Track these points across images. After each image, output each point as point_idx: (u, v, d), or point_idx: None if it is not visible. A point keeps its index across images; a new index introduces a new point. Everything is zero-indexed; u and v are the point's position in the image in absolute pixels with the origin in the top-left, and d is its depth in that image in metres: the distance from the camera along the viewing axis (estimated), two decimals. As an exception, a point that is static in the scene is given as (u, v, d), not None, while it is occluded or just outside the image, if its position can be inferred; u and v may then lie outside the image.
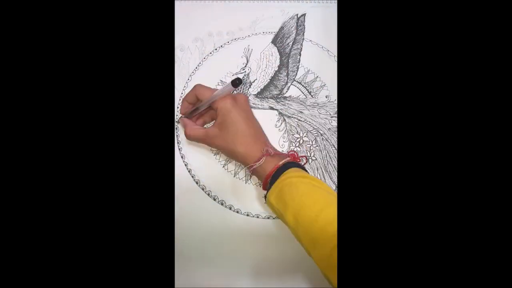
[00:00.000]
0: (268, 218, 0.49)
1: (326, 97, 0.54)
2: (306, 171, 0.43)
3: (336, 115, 0.53)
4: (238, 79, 0.40)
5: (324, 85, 0.55)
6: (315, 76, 0.55)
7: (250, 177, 0.44)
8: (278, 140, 0.52)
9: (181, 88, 0.54)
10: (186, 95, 0.47)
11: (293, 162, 0.43)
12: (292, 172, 0.40)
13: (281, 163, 0.42)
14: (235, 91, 0.48)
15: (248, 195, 0.50)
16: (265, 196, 0.42)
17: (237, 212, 0.49)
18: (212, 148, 0.51)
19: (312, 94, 0.54)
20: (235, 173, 0.51)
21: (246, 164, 0.44)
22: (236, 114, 0.43)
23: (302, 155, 0.50)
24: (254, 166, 0.42)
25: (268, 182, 0.42)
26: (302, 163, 0.47)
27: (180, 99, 0.54)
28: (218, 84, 0.55)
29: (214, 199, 0.50)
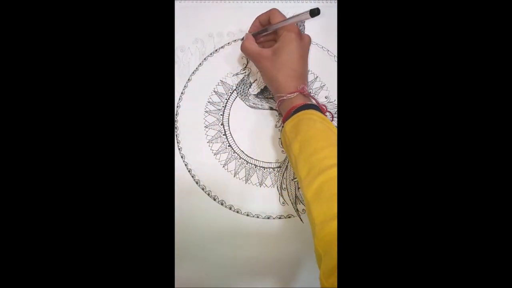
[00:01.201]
0: (268, 218, 0.49)
1: (325, 97, 0.54)
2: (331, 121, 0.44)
3: (336, 116, 0.53)
4: (317, 9, 0.39)
5: (324, 85, 0.55)
6: (315, 77, 0.55)
7: (277, 106, 0.46)
8: (278, 140, 0.52)
9: (181, 89, 0.54)
10: (261, 14, 0.49)
11: (319, 108, 0.44)
12: (315, 112, 0.42)
13: (308, 103, 0.43)
14: (303, 29, 0.50)
15: (248, 195, 0.50)
16: (282, 126, 0.44)
17: (237, 212, 0.49)
18: (212, 148, 0.52)
19: (312, 94, 0.54)
20: (235, 173, 0.51)
21: (278, 93, 0.45)
22: (294, 47, 0.44)
23: (329, 110, 0.51)
24: (285, 98, 0.44)
25: (291, 113, 0.43)
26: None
27: (180, 99, 0.54)
28: (218, 84, 0.55)
29: (214, 199, 0.50)
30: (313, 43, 0.57)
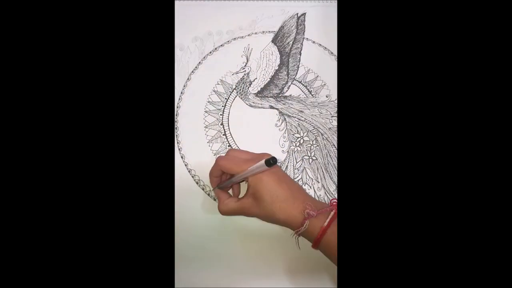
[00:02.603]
0: (269, 218, 0.49)
1: (326, 96, 0.54)
2: None
3: (336, 115, 0.53)
4: (273, 158, 0.38)
5: (325, 84, 0.55)
6: (316, 76, 0.55)
7: (297, 240, 0.42)
8: (279, 140, 0.52)
9: (181, 87, 0.54)
10: (211, 170, 0.45)
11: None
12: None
13: (326, 224, 0.39)
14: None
15: (248, 195, 0.50)
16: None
17: (237, 212, 0.49)
18: (212, 148, 0.51)
19: (312, 93, 0.54)
20: (235, 173, 0.50)
21: (291, 228, 0.41)
22: (267, 180, 0.41)
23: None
24: (299, 232, 0.40)
25: (318, 244, 0.40)
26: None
27: (179, 99, 0.53)
28: (218, 84, 0.54)
29: (214, 199, 0.49)
30: (314, 42, 0.57)
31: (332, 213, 0.40)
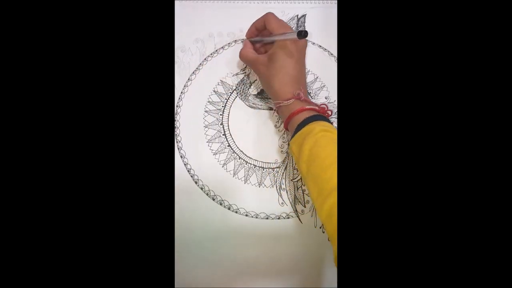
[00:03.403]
0: (267, 218, 0.49)
1: (325, 98, 0.54)
2: (331, 123, 0.44)
3: (336, 116, 0.53)
4: (305, 31, 0.41)
5: (324, 86, 0.55)
6: (315, 77, 0.55)
7: (275, 111, 0.47)
8: (278, 140, 0.52)
9: (181, 88, 0.54)
10: (256, 20, 0.50)
11: (319, 115, 0.44)
12: (317, 124, 0.42)
13: (308, 114, 0.43)
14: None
15: (247, 195, 0.50)
16: (288, 144, 0.45)
17: (236, 212, 0.49)
18: (211, 148, 0.52)
19: (311, 95, 0.54)
20: (234, 173, 0.51)
21: (275, 100, 0.46)
22: (289, 52, 0.45)
23: (330, 109, 0.50)
24: (280, 104, 0.44)
25: (289, 122, 0.44)
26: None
27: (180, 99, 0.54)
28: (218, 84, 0.55)
29: (213, 199, 0.50)
30: (313, 43, 0.57)
31: (316, 108, 0.44)
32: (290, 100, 0.44)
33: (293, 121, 0.44)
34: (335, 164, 0.37)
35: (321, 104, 0.47)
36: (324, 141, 0.40)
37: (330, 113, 0.48)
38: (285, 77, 0.45)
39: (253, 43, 0.51)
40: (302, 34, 0.41)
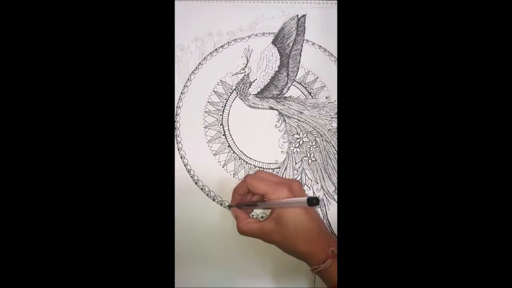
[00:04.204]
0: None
1: (326, 98, 0.54)
2: None
3: (336, 116, 0.53)
4: (316, 199, 0.35)
5: (324, 86, 0.55)
6: (315, 77, 0.55)
7: (314, 277, 0.39)
8: (278, 141, 0.52)
9: (181, 88, 0.54)
10: (237, 187, 0.43)
11: None
12: None
13: None
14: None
15: (247, 195, 0.50)
16: None
17: (237, 212, 0.49)
18: (212, 149, 0.51)
19: (312, 94, 0.54)
20: (234, 174, 0.51)
21: (309, 265, 0.39)
22: (295, 208, 0.38)
23: None
24: (319, 269, 0.37)
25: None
26: None
27: (180, 99, 0.54)
28: (218, 84, 0.54)
29: (213, 199, 0.49)
30: (314, 43, 0.57)
31: None
32: (327, 261, 0.37)
33: None
34: None
35: None
36: None
37: None
38: (306, 235, 0.38)
39: (240, 208, 0.44)
40: (314, 202, 0.35)
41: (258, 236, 0.41)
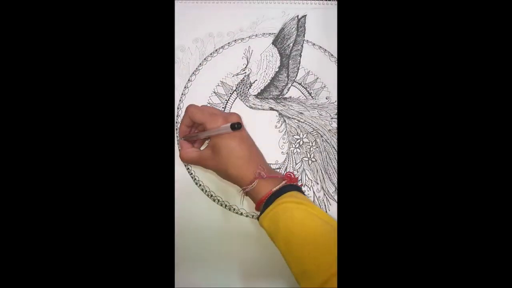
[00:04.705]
0: (268, 219, 0.49)
1: (326, 98, 0.54)
2: (303, 192, 0.42)
3: (336, 117, 0.53)
4: (238, 123, 0.39)
5: (325, 86, 0.55)
6: (316, 77, 0.55)
7: (243, 197, 0.44)
8: (278, 141, 0.52)
9: (182, 89, 0.54)
10: (182, 119, 0.47)
11: (290, 185, 0.42)
12: (288, 197, 0.40)
13: (276, 188, 0.41)
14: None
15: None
16: (258, 218, 0.42)
17: (237, 213, 0.49)
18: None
19: (312, 95, 0.54)
20: (235, 174, 0.51)
21: (240, 186, 0.43)
22: (228, 137, 0.43)
23: (296, 176, 0.48)
24: (246, 189, 0.42)
25: (261, 206, 0.41)
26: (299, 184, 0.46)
27: (180, 100, 0.54)
28: (218, 85, 0.55)
29: (214, 200, 0.50)
30: (314, 44, 0.57)
31: (284, 182, 0.42)
32: (253, 182, 0.41)
33: (270, 212, 0.41)
34: (313, 255, 0.35)
35: (286, 173, 0.45)
36: (299, 216, 0.38)
37: (297, 179, 0.46)
38: (238, 160, 0.42)
39: (189, 141, 0.48)
40: (236, 127, 0.39)
41: (197, 163, 0.46)
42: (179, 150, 0.46)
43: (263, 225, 0.40)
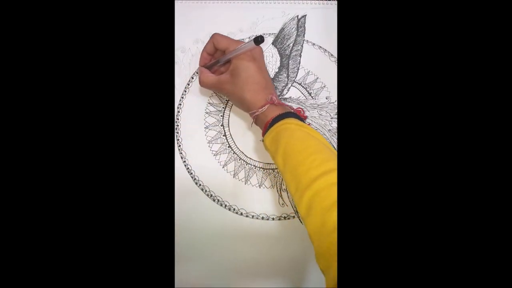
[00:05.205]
0: (267, 219, 0.49)
1: (326, 98, 0.54)
2: (308, 124, 0.44)
3: (336, 117, 0.53)
4: (260, 37, 0.40)
5: (324, 86, 0.55)
6: (315, 77, 0.55)
7: (252, 123, 0.46)
8: (278, 141, 0.52)
9: (182, 90, 0.54)
10: (205, 46, 0.49)
11: (296, 114, 0.44)
12: (292, 120, 0.42)
13: (283, 112, 0.43)
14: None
15: (247, 196, 0.50)
16: (262, 140, 0.44)
17: (237, 213, 0.49)
18: (212, 149, 0.52)
19: (312, 95, 0.54)
20: (234, 174, 0.51)
21: (250, 111, 0.45)
22: (249, 62, 0.45)
23: (305, 115, 0.50)
24: (257, 113, 0.44)
25: (267, 128, 0.43)
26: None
27: (181, 100, 0.54)
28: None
29: (214, 200, 0.50)
30: (314, 44, 0.57)
31: (291, 110, 0.44)
32: (265, 106, 0.44)
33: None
34: (312, 156, 0.37)
35: (297, 108, 0.47)
36: (300, 135, 0.40)
37: (304, 117, 0.48)
38: (254, 86, 0.45)
39: (208, 68, 0.50)
40: (259, 40, 0.40)
41: (215, 87, 0.48)
42: (199, 76, 0.48)
43: (266, 143, 0.43)
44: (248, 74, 0.45)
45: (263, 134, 0.44)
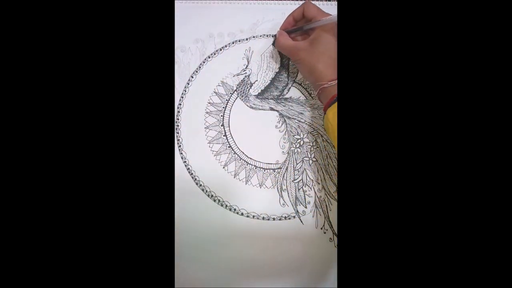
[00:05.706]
0: (268, 219, 0.49)
1: (326, 98, 0.54)
2: None
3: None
4: None
5: (325, 86, 0.55)
6: (316, 78, 0.55)
7: (317, 94, 0.47)
8: (279, 141, 0.52)
9: (182, 89, 0.54)
10: (294, 11, 0.50)
11: None
12: None
13: None
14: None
15: (248, 196, 0.50)
16: (324, 112, 0.45)
17: (237, 213, 0.49)
18: (212, 149, 0.52)
19: (312, 95, 0.54)
20: (235, 174, 0.51)
21: (318, 82, 0.46)
22: (331, 37, 0.46)
23: None
24: (326, 85, 0.45)
25: (332, 101, 0.44)
26: None
27: (181, 100, 0.54)
28: (219, 85, 0.55)
29: (214, 200, 0.50)
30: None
31: None
32: (334, 80, 0.44)
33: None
34: None
35: None
36: None
37: None
38: (329, 60, 0.46)
39: (288, 33, 0.52)
40: None
41: (289, 51, 0.49)
42: (277, 38, 0.50)
43: (329, 116, 0.43)
44: (327, 47, 0.46)
45: (326, 107, 0.45)
